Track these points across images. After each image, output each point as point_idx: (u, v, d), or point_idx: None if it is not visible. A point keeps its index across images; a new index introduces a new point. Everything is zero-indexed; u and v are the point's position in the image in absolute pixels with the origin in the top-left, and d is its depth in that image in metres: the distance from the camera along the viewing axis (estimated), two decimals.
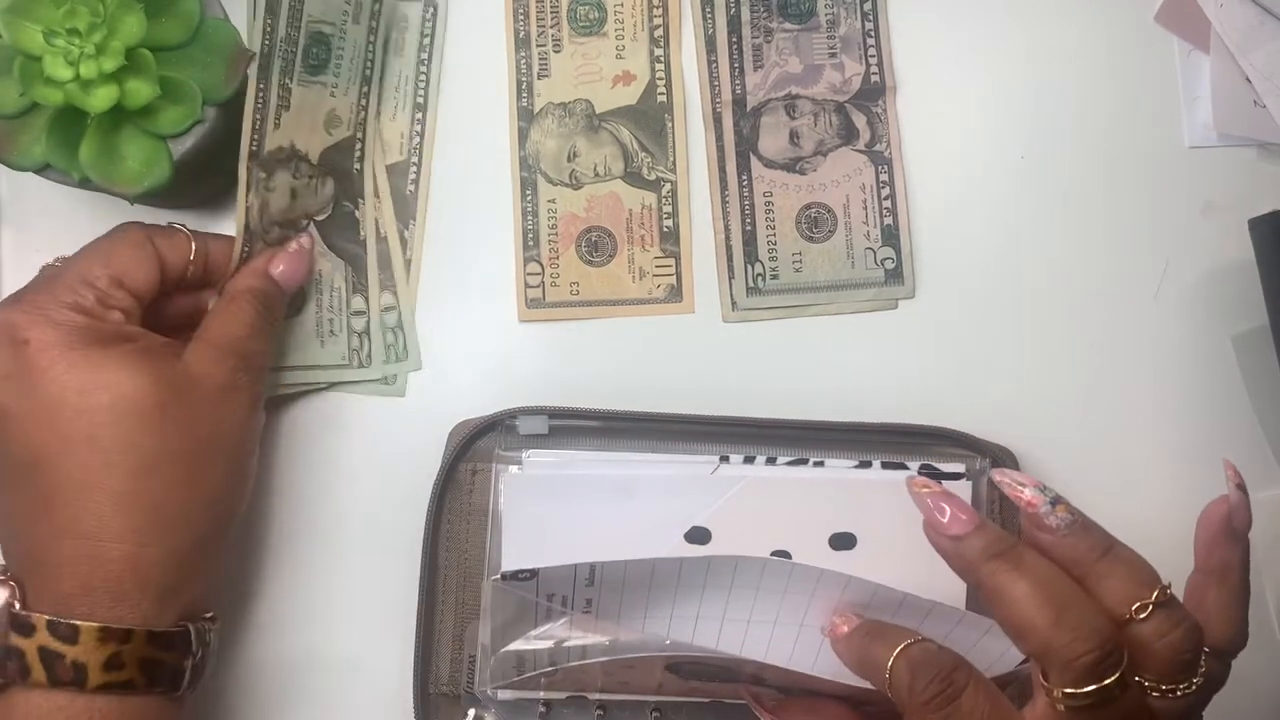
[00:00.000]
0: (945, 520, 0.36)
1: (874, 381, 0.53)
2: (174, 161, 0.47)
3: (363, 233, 0.53)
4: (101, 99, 0.45)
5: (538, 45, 0.55)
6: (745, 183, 0.54)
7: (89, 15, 0.44)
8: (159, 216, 0.54)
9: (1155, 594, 0.35)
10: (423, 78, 0.54)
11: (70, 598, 0.40)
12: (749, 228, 0.54)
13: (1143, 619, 0.35)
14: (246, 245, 0.48)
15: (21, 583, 0.41)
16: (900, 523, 0.49)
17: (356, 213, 0.53)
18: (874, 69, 0.54)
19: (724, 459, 0.50)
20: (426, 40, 0.54)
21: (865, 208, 0.54)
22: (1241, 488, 0.38)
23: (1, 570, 0.42)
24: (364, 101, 0.53)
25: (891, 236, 0.53)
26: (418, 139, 0.54)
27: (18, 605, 0.40)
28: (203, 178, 0.51)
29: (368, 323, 0.53)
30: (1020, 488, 0.37)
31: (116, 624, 0.40)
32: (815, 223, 0.53)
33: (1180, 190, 0.54)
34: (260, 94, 0.47)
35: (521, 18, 0.55)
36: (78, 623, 0.40)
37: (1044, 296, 0.53)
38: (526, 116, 0.55)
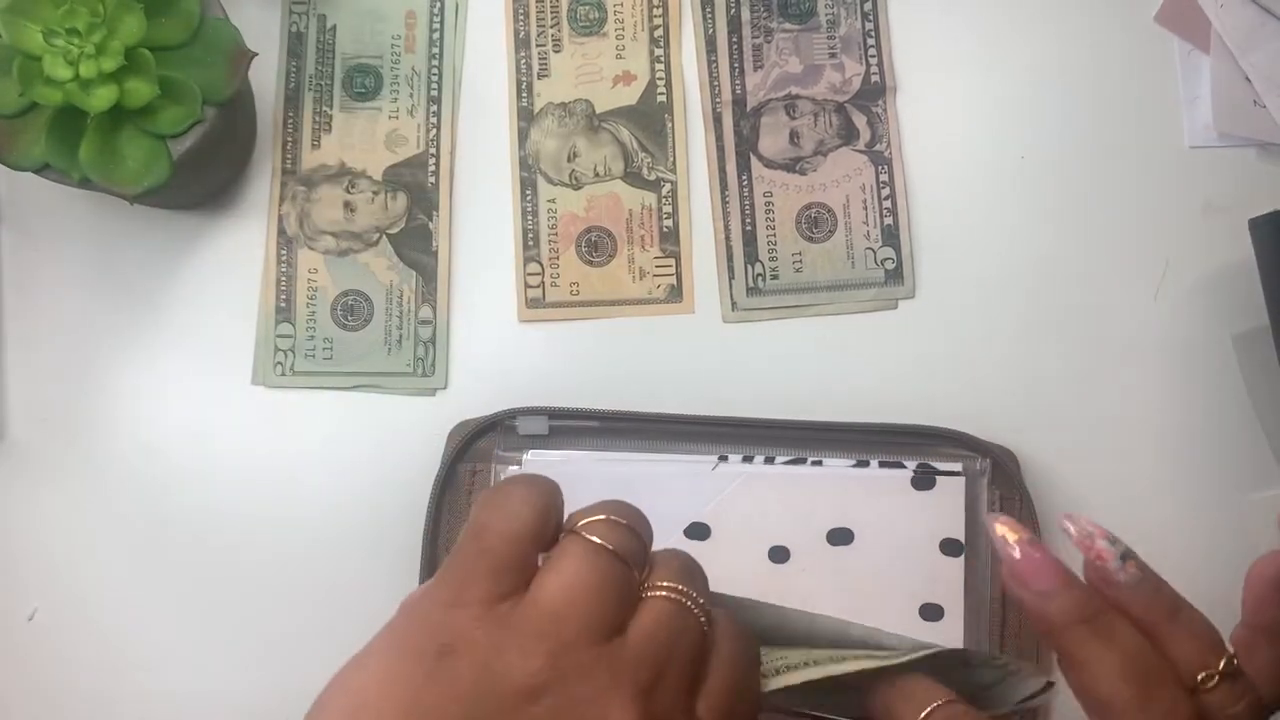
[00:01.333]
0: (1032, 573, 0.34)
1: (873, 381, 0.53)
2: (173, 161, 0.47)
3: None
4: (101, 99, 0.45)
5: (538, 45, 0.55)
6: (745, 183, 0.54)
7: (89, 15, 0.44)
8: (158, 216, 0.54)
9: (1223, 664, 0.34)
10: (435, 70, 0.54)
11: None
12: (749, 228, 0.53)
13: (1209, 689, 0.34)
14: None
15: None
16: (897, 519, 0.49)
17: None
18: (874, 69, 0.54)
19: (723, 458, 0.50)
20: (436, 34, 0.55)
21: (865, 208, 0.54)
22: None
23: None
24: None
25: (891, 237, 0.53)
26: (434, 130, 0.54)
27: None
28: (202, 177, 0.51)
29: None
30: (1090, 539, 0.35)
31: None
32: (815, 223, 0.53)
33: (1180, 190, 0.54)
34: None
35: (521, 18, 0.55)
36: None
37: (1044, 296, 0.53)
38: (526, 116, 0.54)
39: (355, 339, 0.53)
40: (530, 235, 0.54)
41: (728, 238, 0.54)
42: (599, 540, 0.32)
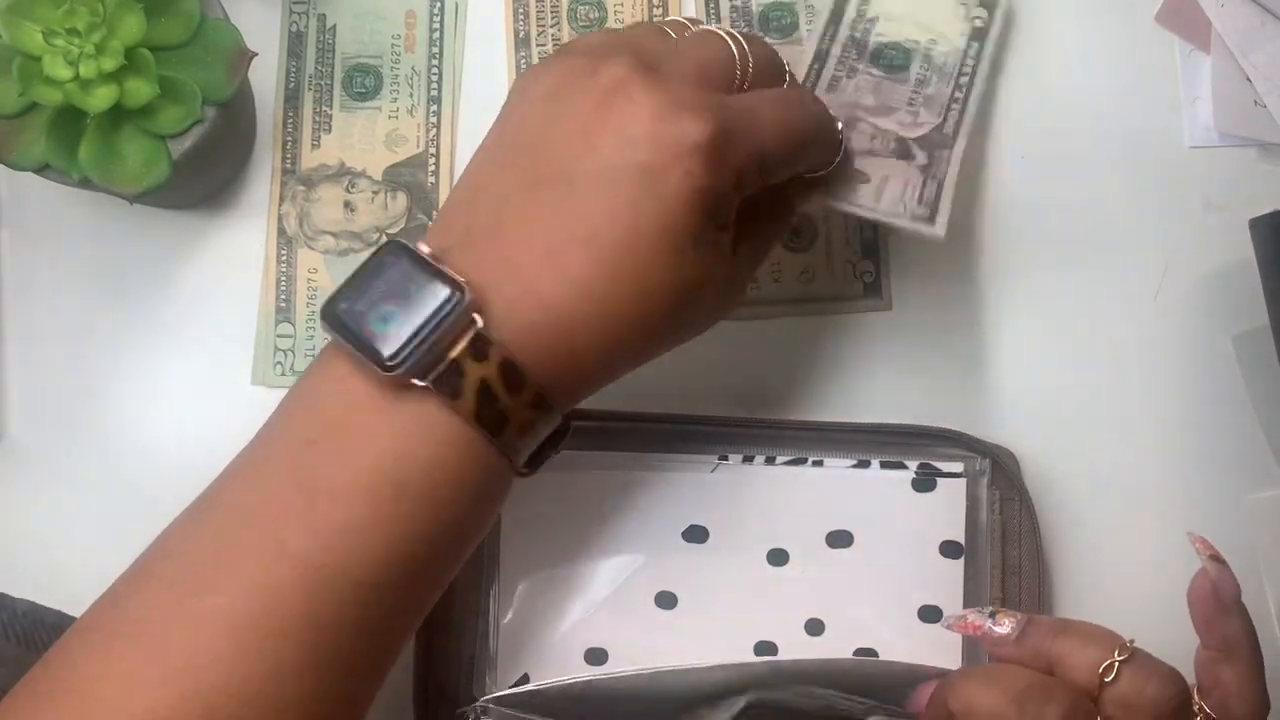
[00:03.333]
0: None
1: (874, 381, 0.53)
2: (173, 161, 0.47)
3: None
4: (101, 99, 0.45)
5: (538, 45, 0.55)
6: None
7: (88, 15, 0.44)
8: (158, 216, 0.54)
9: (1117, 652, 0.36)
10: (435, 70, 0.54)
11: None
12: None
13: (1112, 680, 0.35)
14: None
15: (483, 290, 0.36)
16: (897, 521, 0.49)
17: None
18: None
19: (723, 458, 0.50)
20: (436, 34, 0.55)
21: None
22: (1216, 558, 0.38)
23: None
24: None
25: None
26: (434, 130, 0.54)
27: (480, 323, 0.35)
28: (202, 177, 0.51)
29: None
30: (961, 620, 0.40)
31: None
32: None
33: (1181, 190, 0.54)
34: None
35: (521, 17, 0.55)
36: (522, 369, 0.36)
37: (1044, 297, 0.53)
38: None
39: None
40: None
41: None
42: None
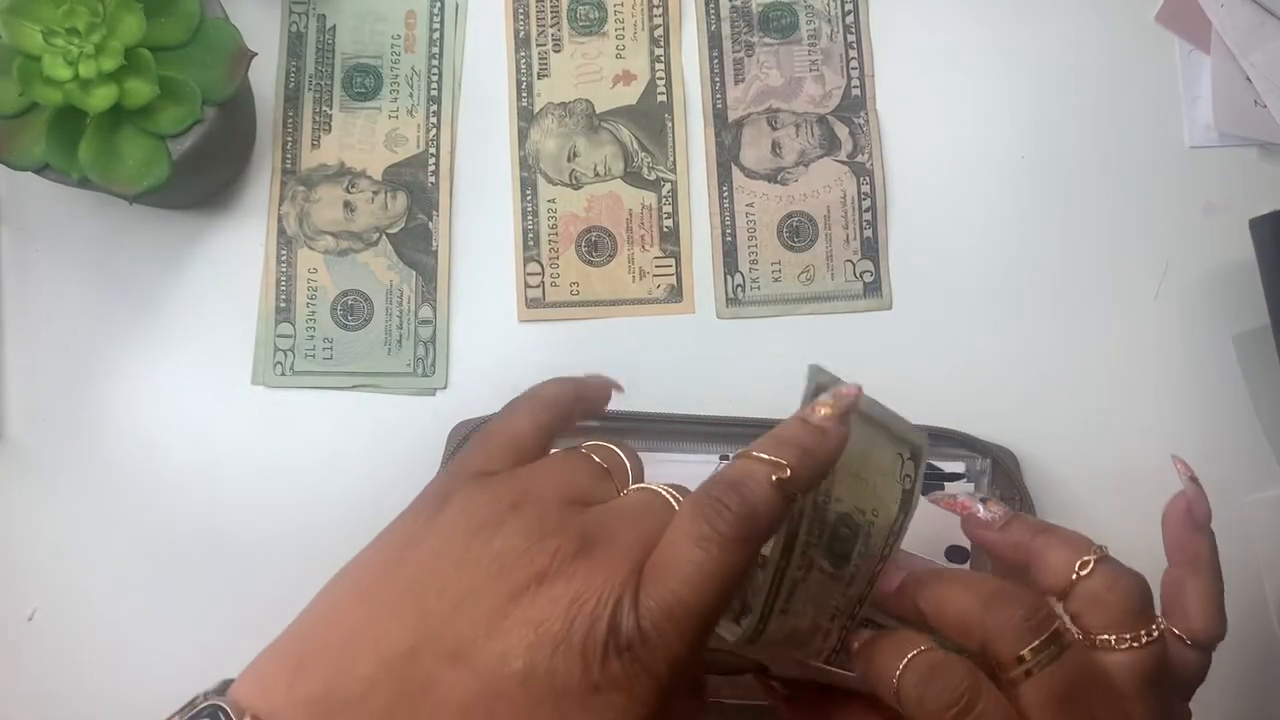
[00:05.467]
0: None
1: (874, 380, 0.53)
2: (173, 161, 0.47)
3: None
4: (100, 99, 0.45)
5: (538, 45, 0.55)
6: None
7: (88, 15, 0.44)
8: (158, 216, 0.54)
9: (1093, 552, 0.37)
10: (435, 70, 0.54)
11: None
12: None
13: (1086, 574, 0.37)
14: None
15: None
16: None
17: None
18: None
19: (724, 458, 0.50)
20: (436, 34, 0.55)
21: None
22: (1195, 480, 0.40)
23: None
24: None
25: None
26: (434, 130, 0.54)
27: None
28: (202, 177, 0.51)
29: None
30: (954, 500, 0.41)
31: None
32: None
33: (1181, 190, 0.54)
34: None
35: (521, 17, 0.55)
36: None
37: (1044, 297, 0.53)
38: (526, 116, 0.54)
39: (355, 339, 0.53)
40: (530, 235, 0.54)
41: (724, 236, 0.54)
42: (583, 449, 0.38)
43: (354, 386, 0.53)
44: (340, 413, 0.53)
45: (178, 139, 0.47)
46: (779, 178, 0.54)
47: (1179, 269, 0.54)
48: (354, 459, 0.53)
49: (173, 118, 0.47)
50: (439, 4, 0.55)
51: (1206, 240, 0.54)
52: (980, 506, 0.40)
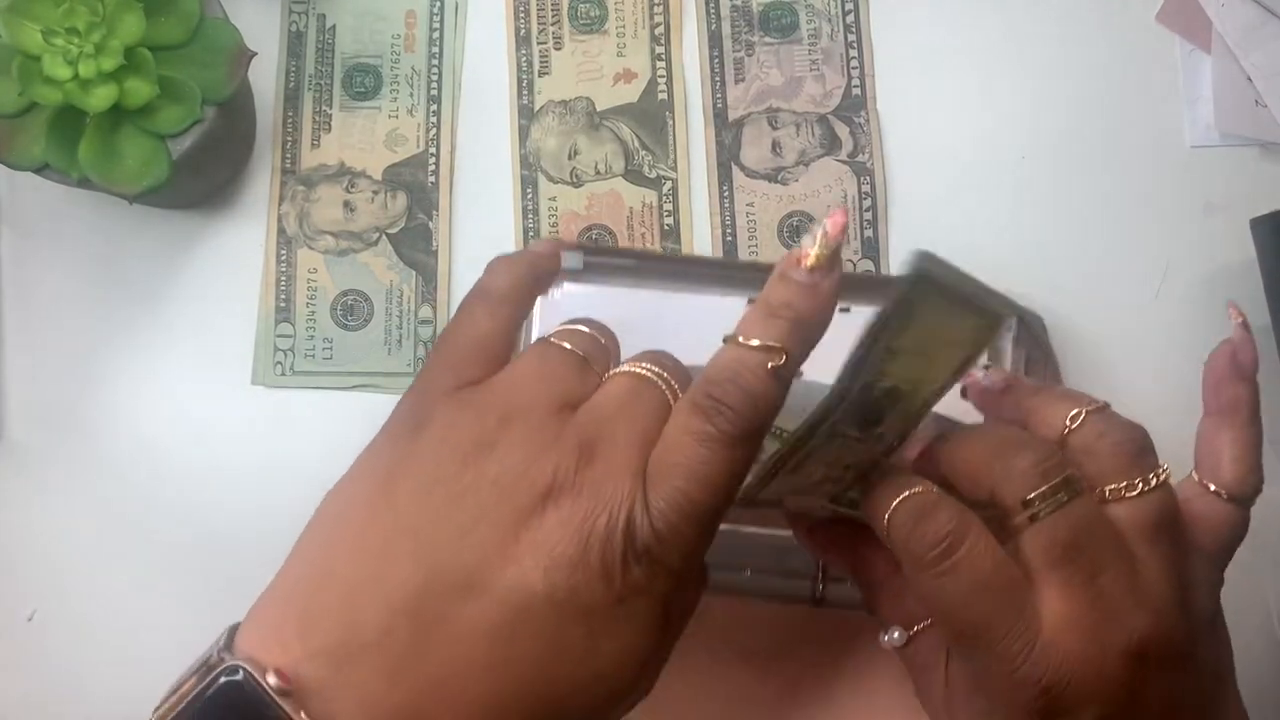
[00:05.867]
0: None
1: None
2: (173, 161, 0.47)
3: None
4: (100, 98, 0.45)
5: (538, 43, 0.55)
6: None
7: (88, 14, 0.44)
8: (158, 216, 0.54)
9: (1089, 404, 0.36)
10: (435, 69, 0.54)
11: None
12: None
13: (1079, 425, 0.36)
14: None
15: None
16: None
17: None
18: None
19: (751, 301, 0.49)
20: (436, 34, 0.55)
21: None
22: (1245, 326, 0.38)
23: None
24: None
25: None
26: (434, 130, 0.54)
27: None
28: (202, 177, 0.51)
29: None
30: None
31: None
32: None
33: (1181, 190, 0.54)
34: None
35: (522, 15, 0.55)
36: None
37: (1044, 297, 0.53)
38: (527, 114, 0.54)
39: (355, 339, 0.53)
40: (531, 233, 0.54)
41: (724, 237, 0.54)
42: (555, 340, 0.37)
43: (354, 386, 0.53)
44: (340, 413, 0.53)
45: (177, 139, 0.47)
46: (779, 177, 0.54)
47: (1179, 269, 0.54)
48: (354, 459, 0.52)
49: (172, 117, 0.47)
50: (439, 4, 0.55)
51: (1207, 240, 0.54)
52: (981, 373, 0.39)
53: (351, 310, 0.53)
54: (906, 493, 0.35)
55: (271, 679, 0.30)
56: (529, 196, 0.54)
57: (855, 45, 0.54)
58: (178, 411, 0.53)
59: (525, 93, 0.55)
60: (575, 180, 0.54)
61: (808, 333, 0.35)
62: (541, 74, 0.55)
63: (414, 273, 0.53)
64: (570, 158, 0.54)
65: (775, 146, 0.54)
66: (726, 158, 0.54)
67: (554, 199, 0.54)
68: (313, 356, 0.53)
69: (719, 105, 0.54)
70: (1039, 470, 0.34)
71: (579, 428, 0.34)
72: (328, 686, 0.31)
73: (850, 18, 0.54)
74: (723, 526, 0.46)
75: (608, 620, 0.32)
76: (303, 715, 0.30)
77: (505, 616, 0.31)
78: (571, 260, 0.49)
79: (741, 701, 0.51)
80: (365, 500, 0.35)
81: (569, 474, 0.32)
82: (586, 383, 0.36)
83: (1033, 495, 0.34)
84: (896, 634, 0.39)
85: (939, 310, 0.33)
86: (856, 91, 0.54)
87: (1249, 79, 0.54)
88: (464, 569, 0.32)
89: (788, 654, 0.50)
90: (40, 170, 0.47)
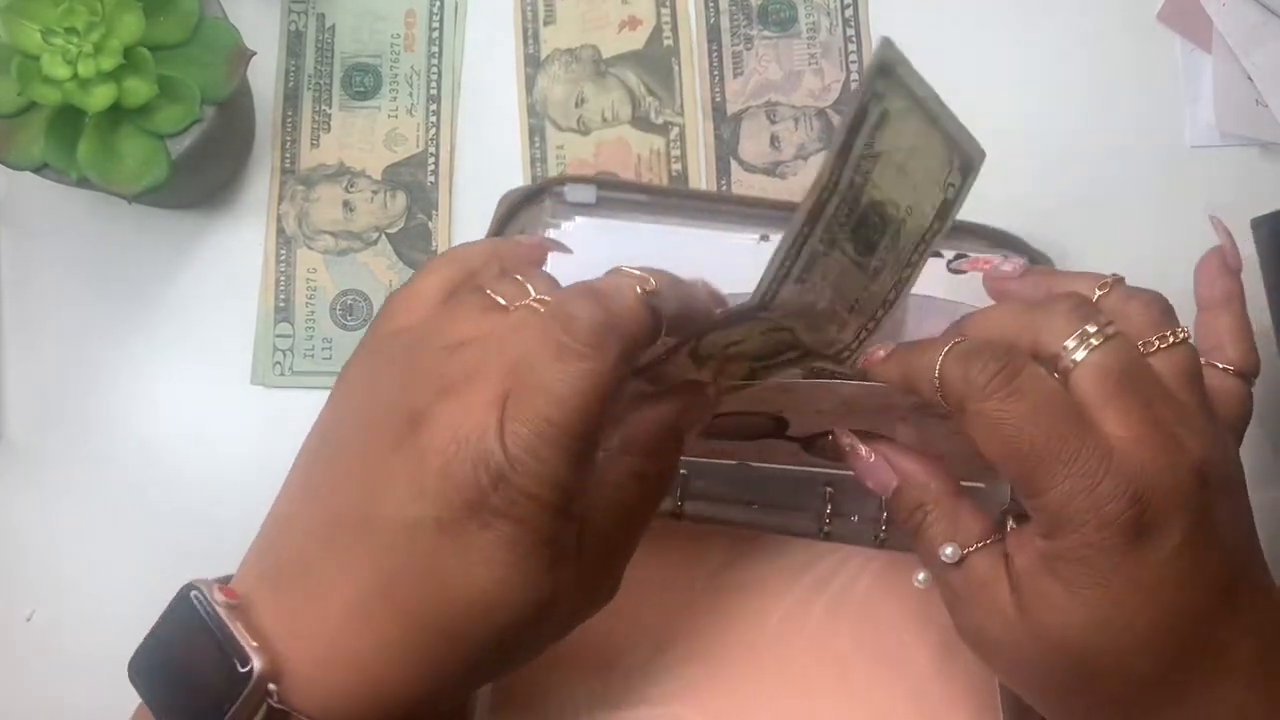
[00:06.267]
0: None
1: None
2: (172, 161, 0.47)
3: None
4: (99, 98, 0.45)
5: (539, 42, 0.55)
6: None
7: (87, 14, 0.44)
8: (157, 216, 0.54)
9: (1110, 278, 0.39)
10: (434, 69, 0.54)
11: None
12: None
13: (1105, 294, 0.39)
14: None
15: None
16: (938, 293, 0.47)
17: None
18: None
19: (764, 238, 0.49)
20: (435, 33, 0.55)
21: None
22: (1229, 235, 0.42)
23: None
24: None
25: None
26: (433, 129, 0.54)
27: (274, 696, 0.33)
28: (201, 177, 0.51)
29: None
30: (977, 260, 0.44)
31: None
32: None
33: (1182, 190, 0.54)
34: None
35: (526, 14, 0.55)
36: None
37: None
38: (534, 63, 0.55)
39: (355, 339, 0.52)
40: (540, 181, 0.53)
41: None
42: (484, 284, 0.38)
43: None
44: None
45: (177, 138, 0.47)
46: (777, 171, 0.54)
47: (1179, 269, 0.53)
48: None
49: (171, 117, 0.47)
50: (438, 3, 0.55)
51: (1208, 240, 0.53)
52: (1002, 261, 0.42)
53: (351, 310, 0.53)
54: (952, 343, 0.36)
55: (219, 595, 0.34)
56: (537, 145, 0.54)
57: (854, 39, 0.54)
58: (177, 411, 0.53)
59: (531, 42, 0.55)
60: (583, 128, 0.54)
61: (685, 284, 0.37)
62: (547, 23, 0.55)
63: (413, 273, 0.53)
64: (577, 105, 0.54)
65: (774, 141, 0.54)
66: (725, 152, 0.54)
67: (561, 147, 0.54)
68: (312, 356, 0.53)
69: (718, 99, 0.54)
70: (1079, 314, 0.36)
71: (454, 361, 0.34)
72: (265, 602, 0.34)
73: (849, 12, 0.54)
74: (730, 462, 0.47)
75: (478, 545, 0.32)
76: (238, 624, 0.33)
77: (386, 550, 0.33)
78: (584, 194, 0.49)
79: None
80: (307, 446, 0.38)
81: (430, 402, 0.33)
82: (488, 324, 0.36)
83: (1074, 338, 0.35)
84: (950, 550, 0.38)
85: (910, 117, 0.34)
86: (855, 86, 0.54)
87: (1249, 78, 0.54)
88: (358, 501, 0.34)
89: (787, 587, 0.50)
90: (39, 170, 0.47)
